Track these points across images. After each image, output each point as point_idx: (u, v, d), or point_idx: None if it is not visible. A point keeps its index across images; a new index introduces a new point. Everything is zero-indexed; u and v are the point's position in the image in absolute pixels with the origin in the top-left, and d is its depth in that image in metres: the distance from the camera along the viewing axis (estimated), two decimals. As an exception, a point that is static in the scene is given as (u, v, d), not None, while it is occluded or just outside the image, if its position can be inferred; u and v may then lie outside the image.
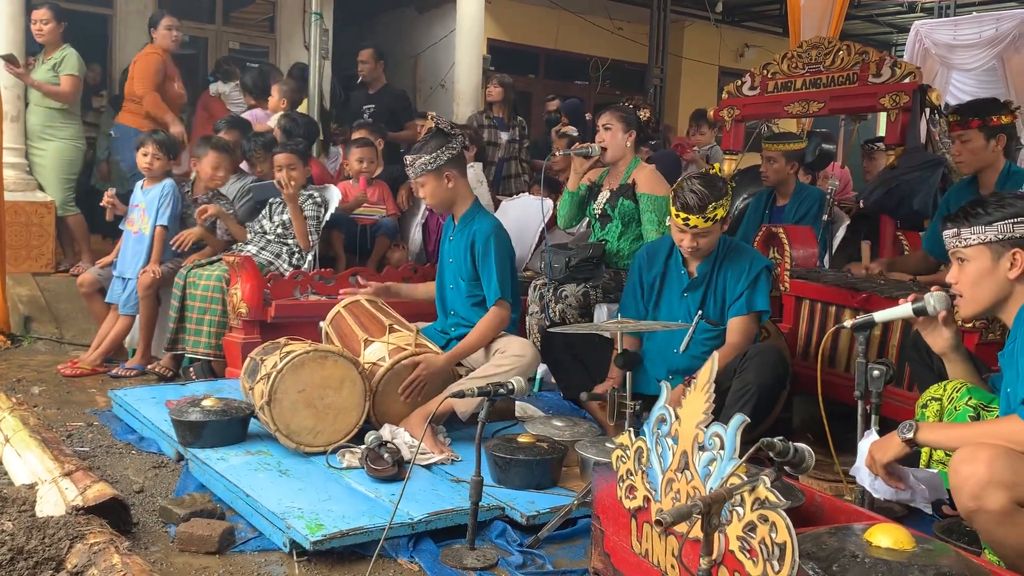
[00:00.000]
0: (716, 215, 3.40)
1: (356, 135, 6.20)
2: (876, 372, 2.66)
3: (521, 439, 3.28)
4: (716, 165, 3.59)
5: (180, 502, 2.99)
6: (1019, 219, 2.35)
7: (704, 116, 7.74)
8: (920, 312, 2.66)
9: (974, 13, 9.05)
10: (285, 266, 4.96)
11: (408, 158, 3.86)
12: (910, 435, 2.34)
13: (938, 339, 2.67)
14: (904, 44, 8.82)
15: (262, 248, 5.02)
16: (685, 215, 3.42)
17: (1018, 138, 7.95)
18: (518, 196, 6.23)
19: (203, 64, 9.33)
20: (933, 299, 2.63)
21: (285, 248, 5.04)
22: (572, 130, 7.07)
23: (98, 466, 3.43)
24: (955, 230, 2.46)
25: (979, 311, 2.49)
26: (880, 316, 2.79)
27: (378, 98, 7.20)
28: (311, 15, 6.96)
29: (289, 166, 5.04)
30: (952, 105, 4.49)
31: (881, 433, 2.56)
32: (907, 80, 4.69)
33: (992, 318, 3.33)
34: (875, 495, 2.53)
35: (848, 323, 2.83)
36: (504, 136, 7.26)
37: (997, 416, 2.44)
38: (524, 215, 5.52)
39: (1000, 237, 2.37)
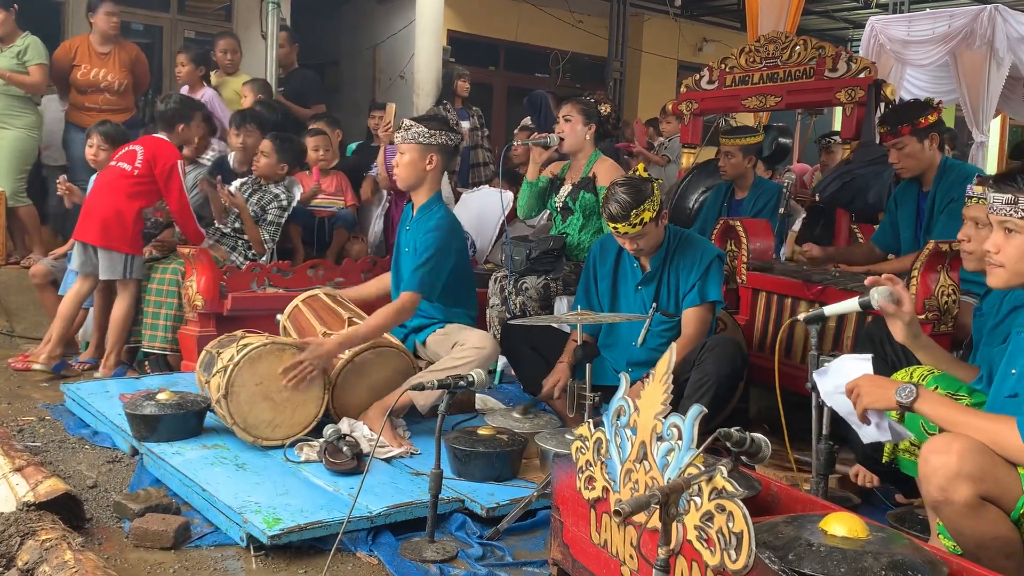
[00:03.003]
0: (642, 218, 3.42)
1: (311, 125, 6.15)
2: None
3: (481, 431, 3.28)
4: (640, 166, 3.62)
5: (135, 497, 2.95)
6: None
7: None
8: (865, 306, 2.71)
9: (928, 9, 9.18)
10: (241, 259, 4.91)
11: (406, 121, 3.84)
12: (907, 401, 2.26)
13: (897, 330, 2.65)
14: (860, 39, 8.92)
15: (217, 241, 4.96)
16: (613, 224, 3.47)
17: (968, 132, 8.12)
18: (478, 188, 6.23)
19: (158, 53, 9.18)
20: (877, 294, 2.68)
21: (241, 241, 4.98)
22: (527, 120, 7.08)
23: (50, 461, 3.37)
24: (1011, 196, 2.23)
25: (1016, 285, 2.33)
26: (830, 310, 2.84)
27: (287, 81, 7.07)
28: (268, 4, 6.86)
29: (264, 152, 5.02)
30: (882, 114, 4.53)
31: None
32: (862, 75, 4.75)
33: (945, 310, 3.40)
34: (827, 403, 2.59)
35: (801, 316, 2.87)
36: (466, 125, 7.25)
37: (968, 396, 2.45)
38: (484, 207, 5.51)
39: None
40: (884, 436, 2.47)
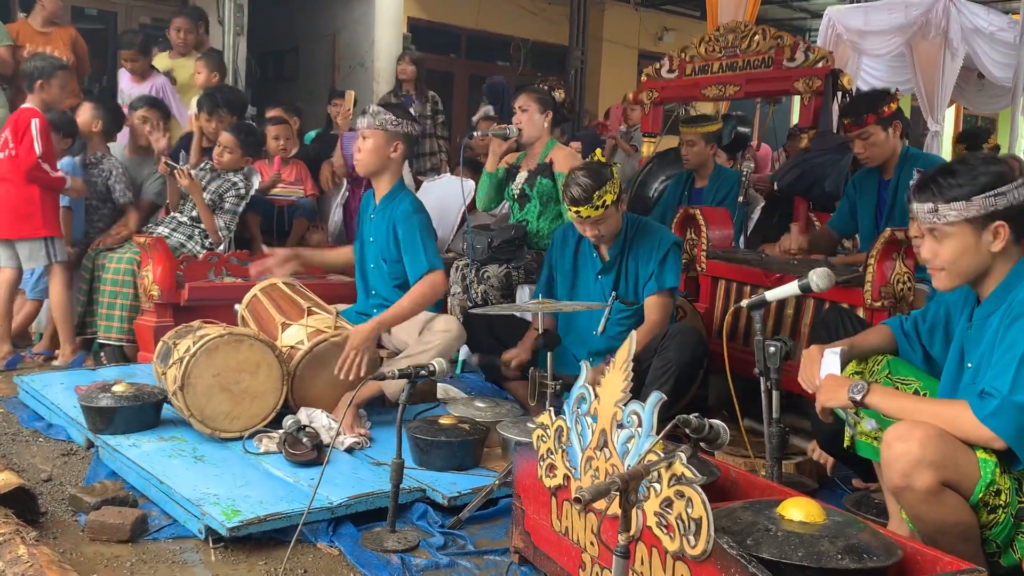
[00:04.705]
0: (604, 201, 3.44)
1: (270, 113, 6.07)
2: (772, 348, 2.74)
3: (443, 421, 3.28)
4: (598, 151, 3.65)
5: (90, 490, 2.91)
6: (999, 191, 2.23)
7: None
8: (805, 289, 2.78)
9: (884, 0, 9.29)
10: (198, 248, 4.84)
11: (373, 107, 3.82)
12: (859, 397, 2.33)
13: None
14: (818, 29, 8.99)
15: (173, 230, 4.89)
16: (575, 208, 3.48)
17: (924, 122, 8.23)
18: (440, 177, 6.19)
19: (112, 39, 9.01)
20: (815, 276, 2.73)
21: (198, 230, 4.91)
22: (488, 109, 7.03)
23: (3, 455, 3.32)
24: (931, 205, 2.29)
25: (957, 285, 2.38)
26: (771, 295, 2.89)
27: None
28: (225, -11, 6.76)
29: (226, 147, 4.95)
30: (842, 105, 4.57)
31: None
32: (820, 65, 4.79)
33: (900, 297, 3.44)
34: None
35: (744, 303, 2.92)
36: (414, 112, 7.15)
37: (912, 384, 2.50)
38: (446, 196, 5.49)
39: (983, 212, 2.24)
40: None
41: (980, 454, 2.15)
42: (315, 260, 4.16)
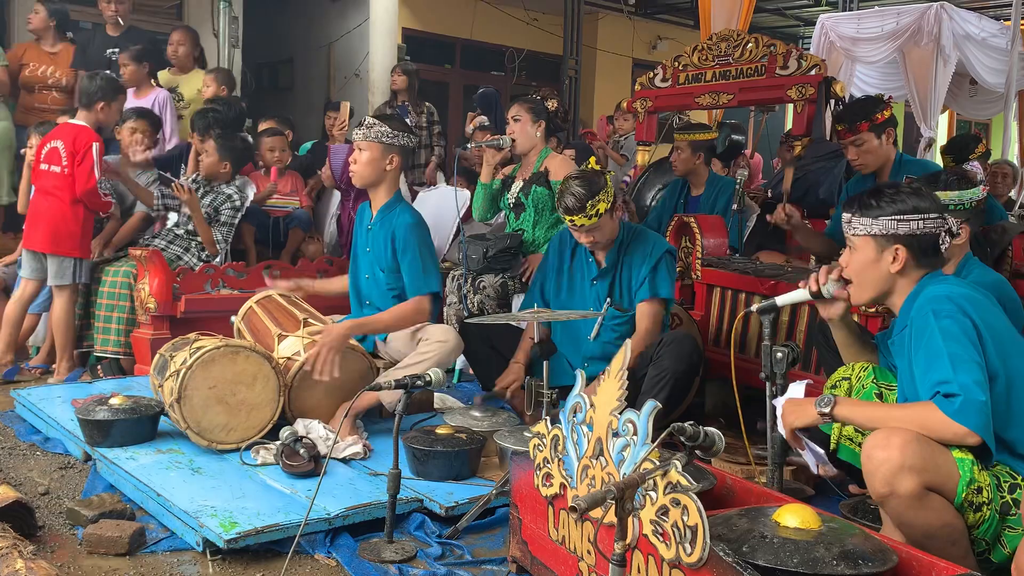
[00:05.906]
0: (597, 210, 3.46)
1: (264, 125, 6.07)
2: (779, 354, 2.74)
3: (440, 430, 3.28)
4: (592, 159, 3.66)
5: (88, 503, 2.91)
6: (904, 216, 2.41)
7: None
8: (816, 296, 2.78)
9: (876, 7, 9.32)
10: (194, 260, 4.85)
11: (368, 119, 3.82)
12: (827, 409, 2.39)
13: (828, 308, 2.75)
14: (811, 37, 9.02)
15: (170, 242, 4.89)
16: (569, 217, 3.50)
17: (917, 129, 8.26)
18: (436, 187, 6.20)
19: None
20: (830, 284, 2.75)
21: (194, 243, 4.92)
22: (483, 119, 7.03)
23: (0, 468, 3.31)
24: (848, 217, 2.52)
25: (866, 299, 2.56)
26: (781, 300, 2.89)
27: (122, 40, 6.45)
28: (220, 2, 6.76)
29: (206, 152, 4.96)
30: (836, 112, 4.58)
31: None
32: (813, 72, 4.80)
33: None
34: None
35: (754, 307, 2.93)
36: (409, 123, 7.13)
37: (895, 400, 2.53)
38: (442, 206, 5.50)
39: (884, 232, 2.43)
40: (810, 459, 2.60)
41: (956, 453, 2.19)
42: (317, 290, 4.13)
